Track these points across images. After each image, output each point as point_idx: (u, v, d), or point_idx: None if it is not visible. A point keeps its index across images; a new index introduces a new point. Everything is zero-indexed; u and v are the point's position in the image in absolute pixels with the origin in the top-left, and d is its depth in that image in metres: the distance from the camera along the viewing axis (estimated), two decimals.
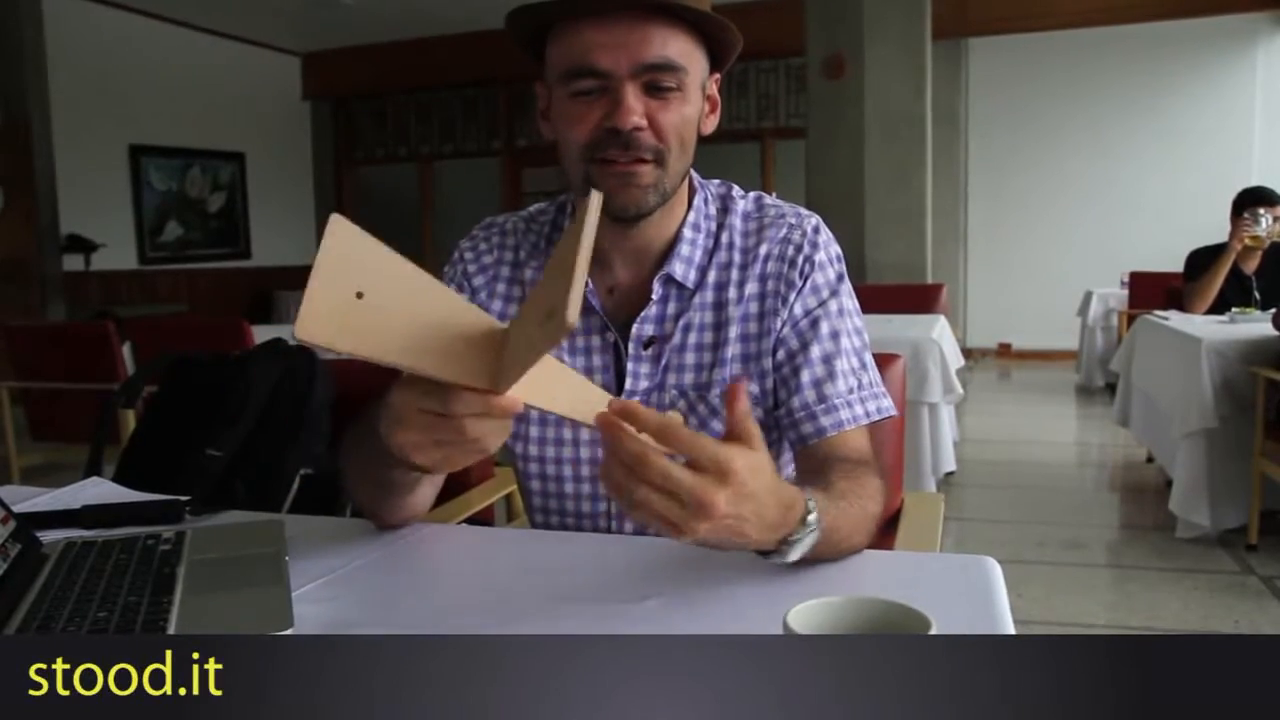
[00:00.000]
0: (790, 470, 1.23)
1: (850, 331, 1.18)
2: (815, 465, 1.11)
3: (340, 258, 0.76)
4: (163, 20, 8.45)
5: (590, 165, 1.08)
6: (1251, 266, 4.37)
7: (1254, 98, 8.09)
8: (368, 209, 10.93)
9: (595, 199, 0.75)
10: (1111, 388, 5.73)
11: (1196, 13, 7.72)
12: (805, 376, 1.15)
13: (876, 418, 1.16)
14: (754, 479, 0.77)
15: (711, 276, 1.19)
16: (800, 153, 6.43)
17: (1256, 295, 4.21)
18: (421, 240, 10.66)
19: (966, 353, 6.29)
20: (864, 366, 1.18)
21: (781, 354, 1.17)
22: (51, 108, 7.26)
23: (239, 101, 9.39)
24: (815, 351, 1.15)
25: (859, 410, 1.14)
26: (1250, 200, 4.37)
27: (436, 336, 0.77)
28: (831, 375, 1.15)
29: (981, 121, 8.71)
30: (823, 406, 1.13)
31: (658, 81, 1.06)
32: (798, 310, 1.17)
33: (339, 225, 0.76)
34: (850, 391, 1.15)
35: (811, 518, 0.87)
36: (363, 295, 0.75)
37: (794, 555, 0.88)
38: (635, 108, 1.05)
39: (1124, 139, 8.35)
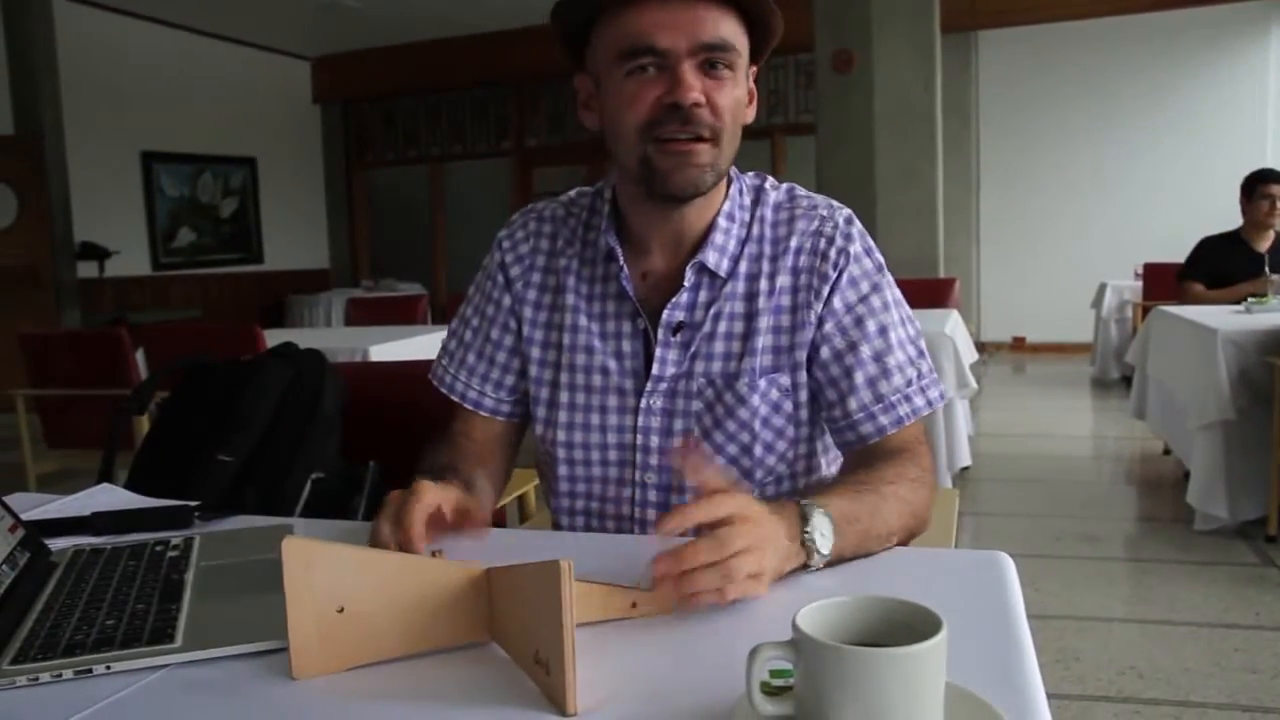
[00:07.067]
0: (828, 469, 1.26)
1: (898, 322, 1.18)
2: (865, 463, 1.12)
3: (306, 584, 0.75)
4: (173, 27, 8.50)
5: (648, 145, 1.10)
6: (1265, 245, 4.35)
7: (1268, 85, 8.02)
8: (378, 211, 10.98)
9: (566, 566, 0.70)
10: (1127, 380, 5.70)
11: (1208, 0, 7.67)
12: (859, 377, 1.15)
13: (936, 405, 1.17)
14: (754, 505, 0.88)
15: (743, 267, 1.19)
16: (810, 149, 6.41)
17: (1273, 275, 4.16)
18: (434, 241, 10.69)
19: (980, 346, 6.26)
20: (921, 354, 1.18)
21: (826, 352, 1.16)
22: (64, 116, 7.32)
23: (250, 106, 9.43)
24: (866, 351, 1.15)
25: (919, 401, 1.16)
26: (1259, 180, 4.37)
27: (425, 610, 0.78)
28: (885, 373, 1.15)
29: (992, 114, 8.66)
30: (880, 406, 1.14)
31: (714, 60, 1.08)
32: (838, 305, 1.16)
33: (290, 549, 0.74)
34: (909, 384, 1.15)
35: (817, 517, 0.92)
36: (344, 609, 0.76)
37: (822, 546, 0.92)
38: (695, 84, 1.07)
39: (1136, 129, 8.29)
